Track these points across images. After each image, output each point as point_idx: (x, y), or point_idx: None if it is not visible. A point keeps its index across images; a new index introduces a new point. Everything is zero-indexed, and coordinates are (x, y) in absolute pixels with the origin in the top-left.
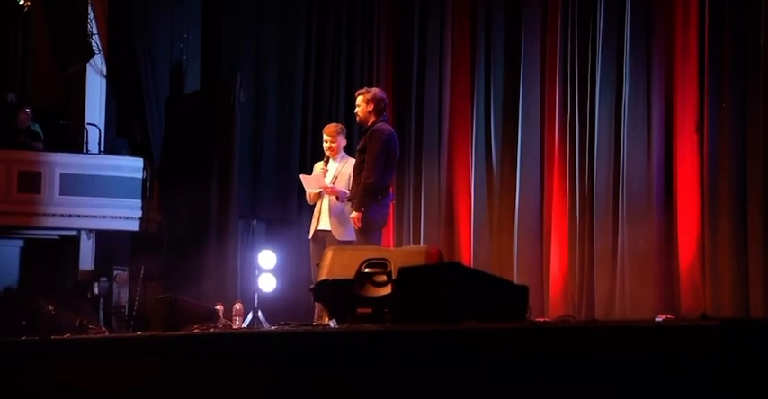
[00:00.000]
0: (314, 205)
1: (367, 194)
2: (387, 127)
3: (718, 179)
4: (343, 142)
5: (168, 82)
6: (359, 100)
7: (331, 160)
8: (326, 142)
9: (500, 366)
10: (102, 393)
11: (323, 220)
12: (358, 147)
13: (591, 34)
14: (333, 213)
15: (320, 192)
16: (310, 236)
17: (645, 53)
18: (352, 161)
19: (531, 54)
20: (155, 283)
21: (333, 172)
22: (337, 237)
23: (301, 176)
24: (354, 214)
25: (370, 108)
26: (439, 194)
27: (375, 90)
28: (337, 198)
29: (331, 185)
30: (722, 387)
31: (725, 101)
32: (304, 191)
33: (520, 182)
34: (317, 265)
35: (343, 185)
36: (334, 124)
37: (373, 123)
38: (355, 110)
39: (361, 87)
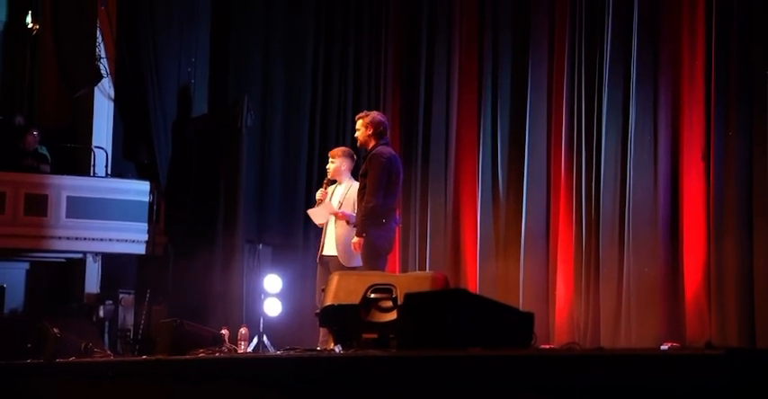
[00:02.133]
0: (322, 227)
1: (367, 219)
2: (387, 150)
3: (724, 206)
4: (346, 164)
5: (176, 105)
6: (358, 124)
7: (337, 185)
8: (330, 163)
9: (505, 393)
10: None
11: (328, 245)
12: (360, 172)
13: (598, 61)
14: (340, 240)
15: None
16: (317, 259)
17: (652, 80)
18: (356, 185)
19: (539, 80)
20: (160, 307)
21: (338, 198)
22: (345, 264)
23: (308, 211)
24: (355, 239)
25: (370, 132)
26: (445, 219)
27: (374, 113)
28: (347, 222)
29: (340, 211)
30: None
31: (731, 130)
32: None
33: (526, 208)
34: (323, 290)
35: (351, 209)
36: (341, 147)
37: (374, 147)
38: (355, 135)
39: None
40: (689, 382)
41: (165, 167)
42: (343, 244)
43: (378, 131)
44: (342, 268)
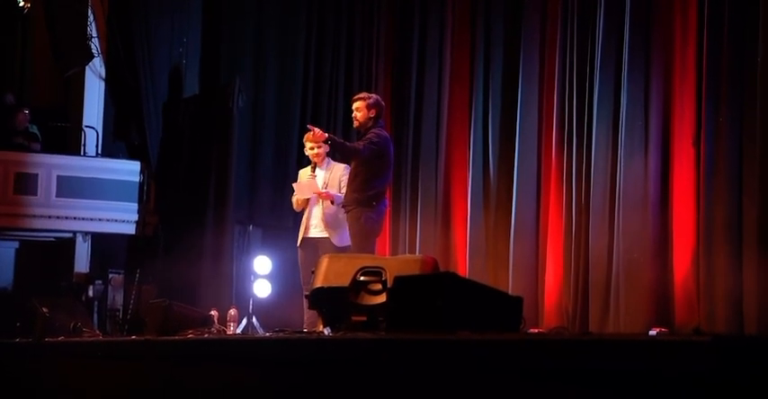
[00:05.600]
0: (299, 211)
1: (347, 146)
2: (384, 132)
3: (714, 193)
4: (326, 148)
5: (167, 86)
6: (359, 104)
7: (318, 168)
8: (312, 149)
9: (494, 376)
10: (96, 396)
11: (315, 227)
12: None
13: (589, 47)
14: (327, 220)
15: (307, 199)
16: (298, 243)
17: (643, 66)
18: (339, 167)
19: (530, 66)
20: (150, 287)
21: (322, 180)
22: (336, 244)
23: (294, 184)
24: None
25: (372, 114)
26: (435, 204)
27: (376, 96)
28: (332, 202)
29: (325, 191)
30: None
31: (722, 116)
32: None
33: (516, 193)
34: (313, 272)
35: (336, 191)
36: None
37: (370, 129)
38: (354, 115)
39: (359, 92)
40: (676, 368)
41: (156, 147)
42: (332, 225)
43: (378, 114)
44: (332, 249)
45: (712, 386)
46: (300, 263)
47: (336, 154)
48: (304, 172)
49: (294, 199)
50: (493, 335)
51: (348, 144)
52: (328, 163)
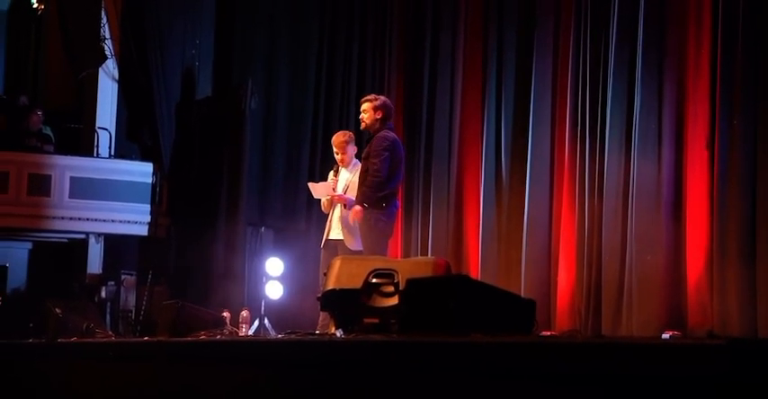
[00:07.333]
0: (328, 213)
1: (371, 191)
2: (391, 134)
3: (727, 195)
4: (352, 150)
5: (180, 87)
6: (366, 106)
7: (342, 169)
8: (337, 154)
9: (506, 379)
10: (107, 397)
11: (334, 229)
12: (363, 155)
13: (603, 50)
14: (343, 222)
15: (331, 201)
16: (321, 245)
17: (657, 69)
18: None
19: (543, 71)
20: (162, 288)
21: (344, 181)
22: (349, 247)
23: (309, 184)
24: (357, 207)
25: (379, 116)
26: (448, 205)
27: (383, 98)
28: (345, 205)
29: (340, 193)
30: None
31: (736, 118)
32: (312, 199)
33: (529, 195)
34: (325, 274)
35: (355, 193)
36: (341, 133)
37: (377, 130)
38: (361, 117)
39: (368, 94)
40: (689, 371)
41: (168, 149)
42: (347, 226)
43: (386, 116)
44: (350, 251)
45: (727, 390)
46: (321, 264)
47: (372, 193)
48: (330, 175)
49: (322, 202)
50: (505, 338)
51: (366, 186)
52: (354, 163)
